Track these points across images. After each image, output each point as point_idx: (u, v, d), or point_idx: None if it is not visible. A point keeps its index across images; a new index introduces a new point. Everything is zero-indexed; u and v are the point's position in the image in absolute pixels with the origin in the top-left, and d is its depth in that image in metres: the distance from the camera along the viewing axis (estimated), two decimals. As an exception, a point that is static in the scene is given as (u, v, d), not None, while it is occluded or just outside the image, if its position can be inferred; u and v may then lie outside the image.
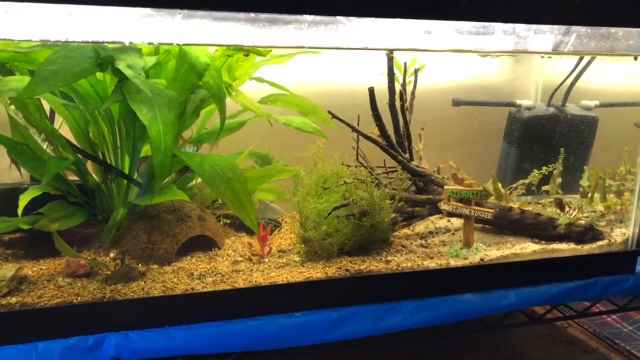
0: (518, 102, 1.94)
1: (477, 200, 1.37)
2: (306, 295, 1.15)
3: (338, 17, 1.06)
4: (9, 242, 1.29)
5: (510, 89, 2.01)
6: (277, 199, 1.57)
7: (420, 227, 1.56)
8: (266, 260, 1.29)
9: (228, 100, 1.29)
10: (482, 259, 1.30)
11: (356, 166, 1.44)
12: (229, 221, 1.46)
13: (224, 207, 1.48)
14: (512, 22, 1.17)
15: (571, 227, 1.40)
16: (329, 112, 1.40)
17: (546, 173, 1.63)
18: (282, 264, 1.26)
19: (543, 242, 1.40)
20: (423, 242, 1.43)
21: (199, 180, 1.48)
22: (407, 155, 1.51)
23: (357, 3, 1.03)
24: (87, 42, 1.05)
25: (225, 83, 1.32)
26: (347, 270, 1.21)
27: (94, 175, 1.35)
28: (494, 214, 1.33)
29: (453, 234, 1.51)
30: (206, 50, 1.21)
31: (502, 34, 1.20)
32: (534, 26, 1.20)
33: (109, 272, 1.16)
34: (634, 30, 1.26)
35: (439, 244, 1.42)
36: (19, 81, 1.12)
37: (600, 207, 1.68)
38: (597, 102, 1.94)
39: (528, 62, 2.05)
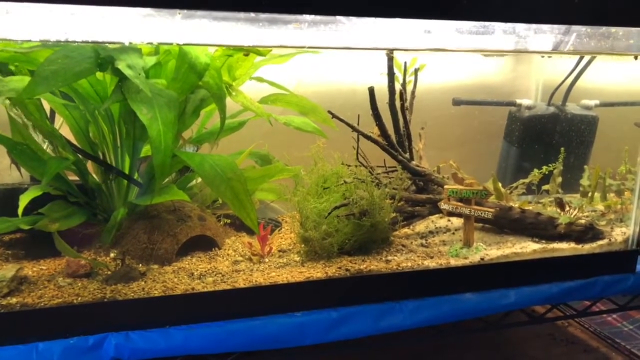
0: (518, 101, 1.94)
1: (477, 200, 1.37)
2: (306, 295, 1.15)
3: (338, 17, 1.06)
4: (9, 242, 1.29)
5: (510, 88, 2.01)
6: (277, 199, 1.57)
7: (421, 226, 1.56)
8: (266, 260, 1.29)
9: (228, 100, 1.29)
10: (482, 259, 1.30)
11: (356, 166, 1.44)
12: (229, 221, 1.46)
13: (224, 207, 1.48)
14: (512, 22, 1.17)
15: (571, 226, 1.40)
16: (329, 112, 1.40)
17: (546, 172, 1.64)
18: (282, 264, 1.26)
19: (543, 241, 1.40)
20: (423, 241, 1.44)
21: (199, 180, 1.48)
22: (407, 155, 1.51)
23: (357, 3, 1.03)
24: (87, 42, 1.05)
25: (225, 83, 1.32)
26: (347, 269, 1.21)
27: (94, 175, 1.35)
28: (494, 214, 1.33)
29: (453, 233, 1.51)
30: (206, 50, 1.21)
31: (502, 34, 1.20)
32: (534, 26, 1.20)
33: (109, 272, 1.16)
34: (634, 29, 1.26)
35: (439, 243, 1.42)
36: (19, 81, 1.12)
37: (600, 207, 1.68)
38: (597, 102, 1.94)
39: (528, 62, 2.05)
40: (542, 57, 1.89)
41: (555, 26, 1.21)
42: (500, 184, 1.57)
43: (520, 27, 1.20)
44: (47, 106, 1.30)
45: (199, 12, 0.99)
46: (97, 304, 1.03)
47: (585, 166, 1.72)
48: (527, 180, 1.64)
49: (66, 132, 1.30)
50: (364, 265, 1.23)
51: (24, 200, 1.12)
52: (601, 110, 1.94)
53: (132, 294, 1.07)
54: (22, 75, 1.18)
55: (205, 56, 1.18)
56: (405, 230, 1.51)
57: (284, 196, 1.43)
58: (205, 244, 1.34)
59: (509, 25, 1.19)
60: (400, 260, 1.27)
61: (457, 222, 1.59)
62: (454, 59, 1.83)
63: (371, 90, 1.39)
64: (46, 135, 1.26)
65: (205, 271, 1.20)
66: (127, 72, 1.04)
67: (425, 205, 1.48)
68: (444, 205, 1.38)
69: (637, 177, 1.45)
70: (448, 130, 1.84)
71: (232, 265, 1.25)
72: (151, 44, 1.21)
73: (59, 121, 1.38)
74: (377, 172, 1.48)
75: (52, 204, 1.20)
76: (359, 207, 1.28)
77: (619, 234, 1.46)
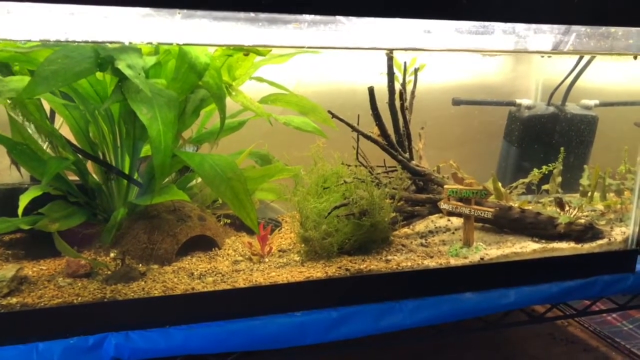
0: (518, 101, 1.94)
1: (477, 200, 1.37)
2: (306, 294, 1.15)
3: (337, 17, 1.06)
4: (9, 242, 1.29)
5: (510, 88, 2.01)
6: (277, 199, 1.57)
7: (420, 226, 1.56)
8: (266, 259, 1.29)
9: (228, 100, 1.29)
10: (482, 258, 1.30)
11: (356, 165, 1.44)
12: (229, 221, 1.46)
13: (224, 206, 1.48)
14: (511, 22, 1.17)
15: (571, 226, 1.41)
16: (329, 112, 1.40)
17: (546, 172, 1.64)
18: (282, 264, 1.26)
19: (543, 241, 1.41)
20: (423, 241, 1.44)
21: (199, 180, 1.48)
22: (407, 155, 1.51)
23: (357, 3, 1.03)
24: (87, 42, 1.05)
25: (225, 83, 1.32)
26: (347, 269, 1.21)
27: (94, 175, 1.35)
28: (494, 213, 1.33)
29: (453, 233, 1.51)
30: (206, 50, 1.21)
31: (501, 34, 1.20)
32: (533, 26, 1.20)
33: (109, 272, 1.16)
34: (634, 29, 1.26)
35: (439, 243, 1.42)
36: (19, 81, 1.12)
37: (600, 206, 1.68)
38: (597, 102, 1.95)
39: (528, 62, 2.05)
40: (542, 57, 1.89)
41: (555, 26, 1.21)
42: (500, 184, 1.57)
43: (520, 27, 1.20)
44: (47, 106, 1.30)
45: (199, 12, 0.99)
46: (97, 304, 1.04)
47: (585, 166, 1.72)
48: (526, 180, 1.64)
49: (66, 132, 1.30)
50: (364, 265, 1.23)
51: (24, 200, 1.12)
52: (601, 110, 1.94)
53: (132, 294, 1.07)
54: (22, 75, 1.18)
55: (205, 56, 1.18)
56: (405, 230, 1.51)
57: (284, 196, 1.43)
58: (205, 243, 1.34)
59: (508, 25, 1.19)
60: (400, 260, 1.27)
61: (456, 221, 1.59)
62: (453, 59, 1.83)
63: (371, 90, 1.39)
64: (46, 135, 1.26)
65: (205, 271, 1.20)
66: (127, 72, 1.04)
67: (425, 205, 1.48)
68: (443, 205, 1.39)
69: (636, 177, 1.45)
70: (448, 130, 1.84)
71: (232, 265, 1.25)
72: (151, 43, 1.21)
73: (59, 121, 1.38)
74: (377, 172, 1.48)
75: (52, 204, 1.20)
76: (359, 206, 1.28)
77: (619, 234, 1.46)
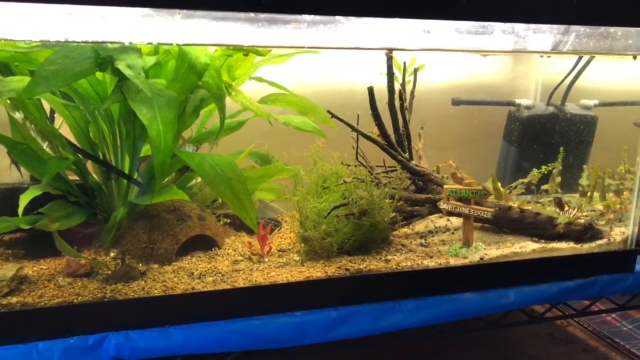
0: (517, 101, 1.95)
1: (476, 200, 1.37)
2: (306, 294, 1.15)
3: (337, 17, 1.06)
4: (9, 242, 1.29)
5: (509, 88, 2.01)
6: (277, 199, 1.57)
7: (420, 226, 1.57)
8: (266, 259, 1.29)
9: (228, 100, 1.29)
10: (481, 258, 1.30)
11: (356, 165, 1.45)
12: (228, 220, 1.46)
13: (223, 206, 1.48)
14: (511, 22, 1.17)
15: (570, 226, 1.41)
16: (329, 112, 1.40)
17: (545, 172, 1.64)
18: (282, 264, 1.26)
19: (542, 241, 1.41)
20: (423, 241, 1.44)
21: (199, 179, 1.48)
22: (406, 155, 1.51)
23: (356, 3, 1.03)
24: (87, 42, 1.05)
25: (225, 83, 1.32)
26: (347, 269, 1.21)
27: (94, 175, 1.35)
28: (493, 213, 1.33)
29: (452, 233, 1.51)
30: (206, 50, 1.21)
31: (501, 34, 1.21)
32: (533, 26, 1.21)
33: (109, 272, 1.16)
34: (633, 29, 1.26)
35: (439, 243, 1.43)
36: (19, 81, 1.12)
37: (599, 206, 1.68)
38: (596, 102, 1.95)
39: (527, 62, 2.05)
40: (541, 57, 1.89)
41: (555, 26, 1.22)
42: (499, 184, 1.57)
43: (519, 27, 1.20)
44: (47, 106, 1.31)
45: (199, 12, 0.99)
46: (97, 304, 1.04)
47: (585, 166, 1.72)
48: (526, 180, 1.64)
49: (66, 131, 1.31)
50: (364, 265, 1.23)
51: (24, 200, 1.12)
52: (600, 110, 1.95)
53: (132, 294, 1.07)
54: (22, 75, 1.18)
55: (205, 56, 1.19)
56: (405, 229, 1.51)
57: (284, 196, 1.44)
58: (205, 243, 1.34)
59: (508, 25, 1.19)
60: (399, 260, 1.27)
61: (456, 221, 1.59)
62: (453, 59, 1.83)
63: (370, 90, 1.40)
64: (46, 135, 1.26)
65: (205, 271, 1.20)
66: (127, 72, 1.04)
67: (425, 204, 1.49)
68: (443, 205, 1.39)
69: (636, 177, 1.45)
70: (447, 130, 1.84)
71: (231, 265, 1.25)
72: (151, 44, 1.21)
73: (58, 121, 1.38)
74: (376, 171, 1.48)
75: (52, 204, 1.20)
76: (359, 206, 1.29)
77: (618, 234, 1.46)
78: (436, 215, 1.55)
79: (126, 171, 1.34)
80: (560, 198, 1.54)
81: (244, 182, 1.17)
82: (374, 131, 1.46)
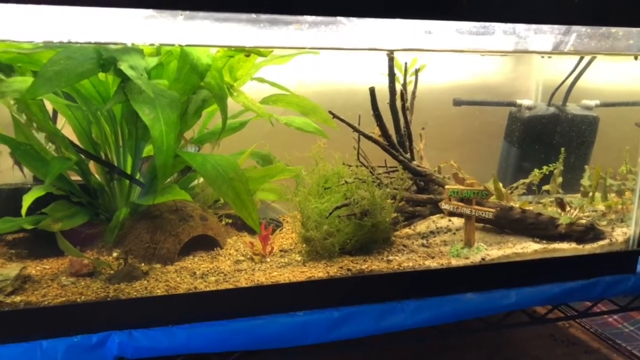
0: (519, 101, 1.95)
1: (478, 200, 1.37)
2: (308, 294, 1.15)
3: (338, 18, 1.06)
4: (13, 241, 1.30)
5: (510, 88, 2.01)
6: (279, 199, 1.57)
7: (422, 226, 1.57)
8: (268, 259, 1.29)
9: (229, 101, 1.30)
10: (483, 259, 1.30)
11: (357, 166, 1.45)
12: (230, 221, 1.47)
13: (225, 206, 1.48)
14: (512, 22, 1.17)
15: (572, 226, 1.41)
16: (330, 112, 1.40)
17: (547, 173, 1.64)
18: (284, 264, 1.26)
19: (544, 241, 1.41)
20: (424, 241, 1.44)
21: (201, 180, 1.48)
22: (408, 155, 1.51)
23: (358, 3, 1.04)
24: (90, 43, 1.06)
25: (227, 83, 1.32)
26: (348, 269, 1.21)
27: (97, 176, 1.36)
28: (494, 214, 1.33)
29: (454, 233, 1.51)
30: (208, 51, 1.22)
31: (502, 34, 1.21)
32: (534, 26, 1.21)
33: (112, 272, 1.16)
34: (634, 29, 1.27)
35: (440, 243, 1.43)
36: (22, 82, 1.13)
37: (601, 207, 1.68)
38: (597, 102, 1.95)
39: (528, 62, 2.05)
40: (542, 57, 1.89)
41: (556, 26, 1.22)
42: (500, 184, 1.57)
43: (520, 27, 1.20)
44: (49, 107, 1.31)
45: (201, 14, 1.00)
46: (101, 303, 1.04)
47: (586, 166, 1.72)
48: (527, 181, 1.64)
49: (69, 132, 1.31)
50: (366, 265, 1.24)
51: (27, 200, 1.12)
52: (602, 110, 1.95)
53: (135, 293, 1.07)
54: (25, 76, 1.19)
55: (207, 57, 1.19)
56: (406, 230, 1.51)
57: (285, 196, 1.44)
58: (207, 243, 1.35)
59: (509, 26, 1.19)
60: (401, 260, 1.27)
61: (458, 222, 1.59)
62: (454, 60, 1.84)
63: (372, 91, 1.40)
64: (49, 136, 1.27)
65: (208, 270, 1.20)
66: (130, 72, 1.04)
67: (426, 205, 1.49)
68: (444, 206, 1.39)
69: (637, 177, 1.45)
70: (449, 130, 1.84)
71: (234, 265, 1.26)
72: (153, 45, 1.22)
73: (61, 122, 1.39)
74: (378, 172, 1.48)
75: (55, 204, 1.21)
76: (360, 207, 1.29)
77: (620, 235, 1.46)
78: (438, 215, 1.55)
79: (128, 171, 1.34)
80: (562, 198, 1.54)
81: (246, 182, 1.18)
82: (375, 131, 1.47)
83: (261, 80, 1.46)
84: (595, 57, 1.83)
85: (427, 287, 1.23)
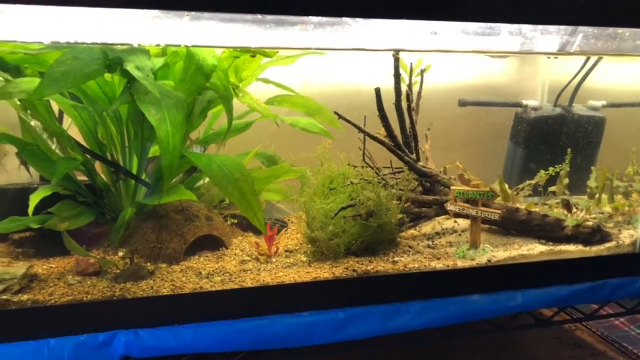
0: (524, 102, 1.94)
1: (483, 201, 1.36)
2: (313, 295, 1.15)
3: (344, 18, 1.06)
4: (19, 240, 1.31)
5: (516, 89, 2.00)
6: (284, 199, 1.57)
7: (427, 227, 1.56)
8: (273, 260, 1.29)
9: (235, 101, 1.30)
10: (489, 260, 1.30)
11: (363, 167, 1.45)
12: (236, 221, 1.47)
13: (231, 207, 1.49)
14: (518, 23, 1.17)
15: (579, 228, 1.40)
16: (335, 113, 1.40)
17: (553, 174, 1.63)
18: (289, 264, 1.26)
19: (550, 243, 1.40)
20: (430, 242, 1.43)
21: (207, 180, 1.49)
22: (413, 156, 1.51)
23: (363, 4, 1.04)
24: (96, 43, 1.06)
25: (232, 84, 1.32)
26: (354, 270, 1.21)
27: (103, 176, 1.36)
28: (500, 215, 1.33)
29: (460, 234, 1.51)
30: (213, 51, 1.22)
31: (508, 35, 1.20)
32: (540, 27, 1.20)
33: (118, 271, 1.17)
34: (642, 30, 1.26)
35: (446, 244, 1.42)
36: (29, 82, 1.14)
37: (607, 209, 1.67)
38: (604, 102, 1.94)
39: (534, 63, 2.04)
40: (548, 58, 1.88)
41: (562, 27, 1.21)
42: (506, 186, 1.56)
43: (526, 28, 1.20)
44: (55, 107, 1.32)
45: (206, 14, 1.00)
46: (107, 302, 1.04)
47: (593, 167, 1.71)
48: (533, 182, 1.63)
49: (75, 132, 1.32)
50: (371, 266, 1.23)
51: (34, 200, 1.13)
52: (608, 111, 1.93)
53: (141, 293, 1.07)
54: (32, 77, 1.20)
55: (213, 58, 1.19)
56: (412, 231, 1.51)
57: (290, 197, 1.44)
58: (212, 243, 1.35)
59: (515, 27, 1.19)
60: (407, 261, 1.27)
61: (463, 223, 1.58)
62: (459, 60, 1.83)
63: (377, 91, 1.40)
64: (55, 136, 1.28)
65: (213, 270, 1.20)
66: (136, 73, 1.05)
67: (432, 206, 1.48)
68: (450, 207, 1.38)
69: (645, 179, 1.44)
70: (454, 131, 1.84)
71: (239, 265, 1.26)
72: (159, 45, 1.22)
73: (67, 122, 1.39)
74: (383, 173, 1.48)
75: (61, 204, 1.22)
76: (366, 208, 1.28)
77: (627, 237, 1.45)
78: (443, 216, 1.55)
79: (134, 172, 1.34)
80: (568, 200, 1.53)
81: (251, 182, 1.18)
82: (380, 132, 1.46)
83: (266, 80, 1.46)
84: (601, 58, 1.82)
85: (432, 289, 1.22)
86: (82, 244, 1.21)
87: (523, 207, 1.51)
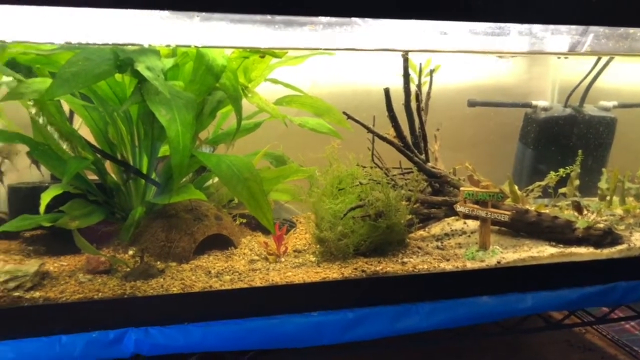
0: (534, 102, 1.92)
1: (493, 203, 1.35)
2: (323, 295, 1.15)
3: (353, 19, 1.06)
4: (31, 238, 1.32)
5: (526, 89, 1.99)
6: (292, 200, 1.57)
7: (436, 228, 1.55)
8: (282, 259, 1.29)
9: (244, 102, 1.30)
10: (498, 262, 1.29)
11: (371, 167, 1.44)
12: (244, 220, 1.47)
13: (240, 206, 1.49)
14: (528, 23, 1.16)
15: (589, 230, 1.38)
16: (344, 113, 1.40)
17: (563, 175, 1.61)
18: (298, 264, 1.26)
19: (561, 245, 1.38)
20: (439, 243, 1.43)
21: (216, 179, 1.49)
22: (422, 156, 1.50)
23: (372, 4, 1.04)
24: (107, 44, 1.07)
25: (241, 84, 1.33)
26: (363, 271, 1.21)
27: (113, 175, 1.37)
28: (510, 217, 1.32)
29: (469, 236, 1.50)
30: (223, 52, 1.23)
31: (518, 35, 1.20)
32: (550, 27, 1.19)
33: (128, 269, 1.17)
34: (655, 30, 1.24)
35: (455, 246, 1.41)
36: (41, 83, 1.15)
37: (619, 211, 1.65)
38: (615, 103, 1.92)
39: (544, 63, 2.03)
40: (559, 58, 1.87)
41: (573, 27, 1.20)
42: (516, 187, 1.55)
43: (536, 28, 1.19)
44: (66, 107, 1.33)
45: (216, 15, 1.00)
46: (117, 300, 1.05)
47: (604, 169, 1.69)
48: (543, 183, 1.62)
49: (85, 132, 1.33)
50: (380, 267, 1.23)
51: (45, 199, 1.14)
52: (620, 111, 1.91)
53: (152, 291, 1.08)
54: (44, 77, 1.21)
55: (222, 58, 1.20)
56: (421, 232, 1.50)
57: (299, 197, 1.44)
58: (221, 242, 1.35)
59: (525, 27, 1.18)
60: (416, 262, 1.26)
61: (472, 224, 1.57)
62: (469, 60, 1.82)
63: (387, 92, 1.39)
64: (66, 136, 1.29)
65: (222, 269, 1.21)
66: (146, 73, 1.06)
67: (441, 207, 1.48)
68: (460, 208, 1.37)
69: (657, 180, 1.42)
70: (463, 131, 1.83)
71: (248, 264, 1.26)
72: (169, 46, 1.23)
73: (77, 122, 1.41)
74: (392, 173, 1.48)
75: (72, 203, 1.23)
76: (375, 208, 1.28)
77: (638, 239, 1.43)
78: (452, 217, 1.54)
79: (144, 171, 1.35)
80: (579, 202, 1.52)
81: (260, 182, 1.18)
82: (390, 132, 1.46)
83: (275, 81, 1.47)
84: (613, 58, 1.80)
85: (441, 290, 1.22)
86: (93, 243, 1.22)
87: (533, 208, 1.50)
